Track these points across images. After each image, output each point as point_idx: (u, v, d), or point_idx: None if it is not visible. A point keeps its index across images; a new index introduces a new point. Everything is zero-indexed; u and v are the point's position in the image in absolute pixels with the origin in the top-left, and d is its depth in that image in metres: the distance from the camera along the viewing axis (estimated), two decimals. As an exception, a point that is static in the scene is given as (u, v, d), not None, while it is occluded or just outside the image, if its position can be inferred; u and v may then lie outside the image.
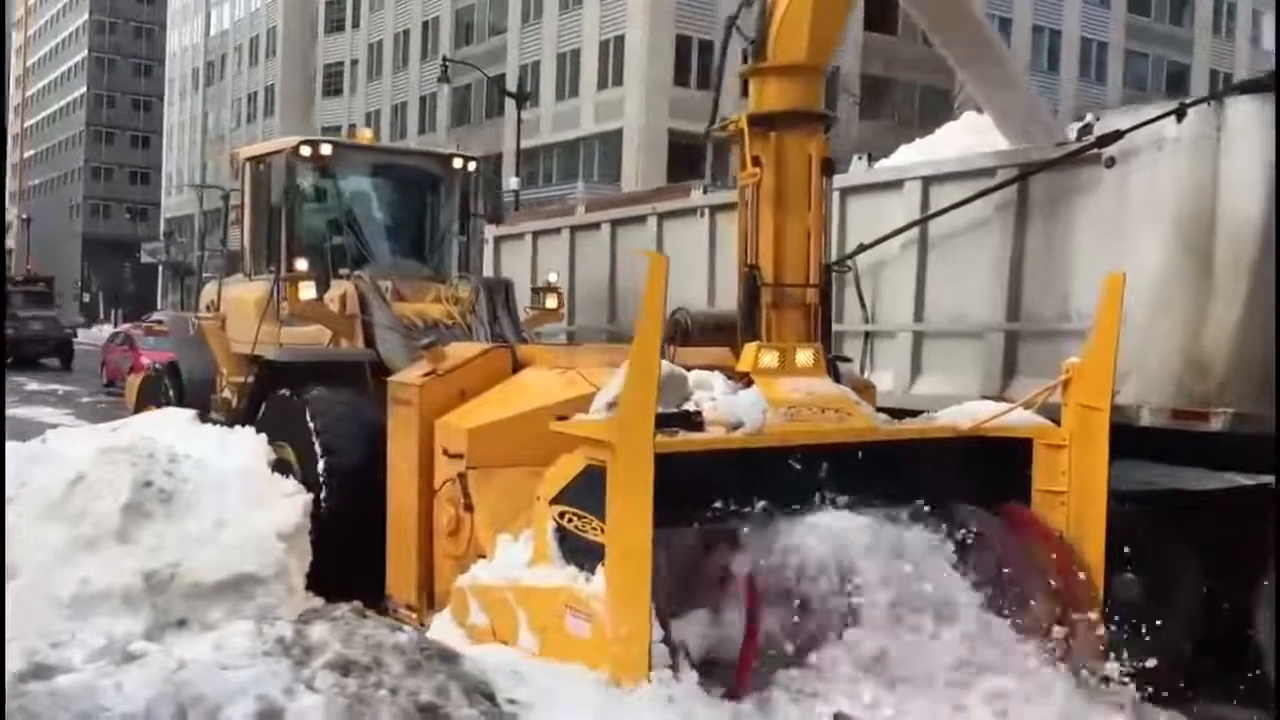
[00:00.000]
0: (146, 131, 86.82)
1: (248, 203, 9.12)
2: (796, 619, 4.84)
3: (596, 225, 10.08)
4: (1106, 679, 5.15)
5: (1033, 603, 5.38)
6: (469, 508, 5.71)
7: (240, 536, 6.23)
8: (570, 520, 4.94)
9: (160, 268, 71.43)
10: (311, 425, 7.02)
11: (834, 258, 7.28)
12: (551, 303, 9.03)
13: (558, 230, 10.55)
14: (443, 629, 5.38)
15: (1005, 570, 5.41)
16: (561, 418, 4.94)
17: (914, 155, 8.08)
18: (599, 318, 9.86)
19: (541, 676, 4.62)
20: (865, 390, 6.41)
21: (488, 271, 10.47)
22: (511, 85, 38.31)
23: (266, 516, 6.44)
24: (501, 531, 5.50)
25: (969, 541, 5.42)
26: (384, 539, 6.45)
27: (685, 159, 39.65)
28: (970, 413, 5.81)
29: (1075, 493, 5.61)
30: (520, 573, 5.16)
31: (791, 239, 5.80)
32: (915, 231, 7.24)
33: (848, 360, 6.29)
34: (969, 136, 7.77)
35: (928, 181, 7.26)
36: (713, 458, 5.00)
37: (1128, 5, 48.58)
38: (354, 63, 56.47)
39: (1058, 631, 5.30)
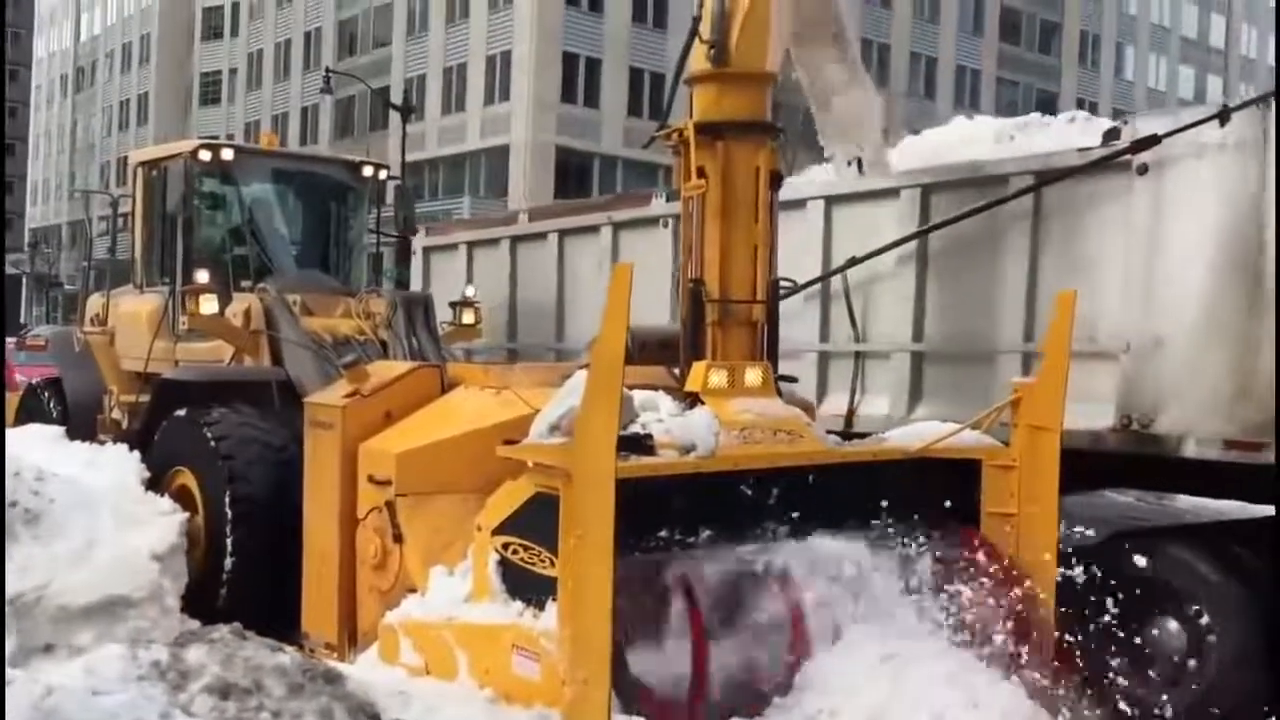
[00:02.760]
0: (11, 138, 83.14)
1: (139, 210, 8.54)
2: (748, 652, 4.61)
3: (542, 235, 9.32)
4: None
5: (982, 625, 5.25)
6: (397, 538, 5.32)
7: (112, 557, 6.00)
8: (515, 552, 4.62)
9: (24, 279, 68.40)
10: (216, 449, 6.54)
11: (820, 271, 7.05)
12: (469, 318, 8.62)
13: (496, 241, 9.78)
14: (369, 669, 5.00)
15: (956, 593, 5.27)
16: (510, 441, 4.61)
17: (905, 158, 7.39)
18: (545, 335, 9.25)
19: (428, 695, 4.48)
20: (807, 410, 6.21)
21: (415, 285, 9.97)
22: (396, 98, 37.61)
23: (140, 536, 6.20)
24: (434, 564, 5.16)
25: (919, 565, 5.26)
26: (298, 572, 6.01)
27: (574, 175, 39.69)
28: (920, 433, 5.66)
29: (1024, 515, 5.52)
30: (458, 609, 4.83)
31: (738, 254, 5.58)
32: (913, 244, 6.73)
33: (793, 380, 6.06)
34: (965, 146, 7.14)
35: (928, 190, 6.72)
36: (659, 483, 4.72)
37: (1000, 34, 50.33)
38: (233, 71, 55.13)
39: (1008, 654, 5.16)
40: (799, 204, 7.15)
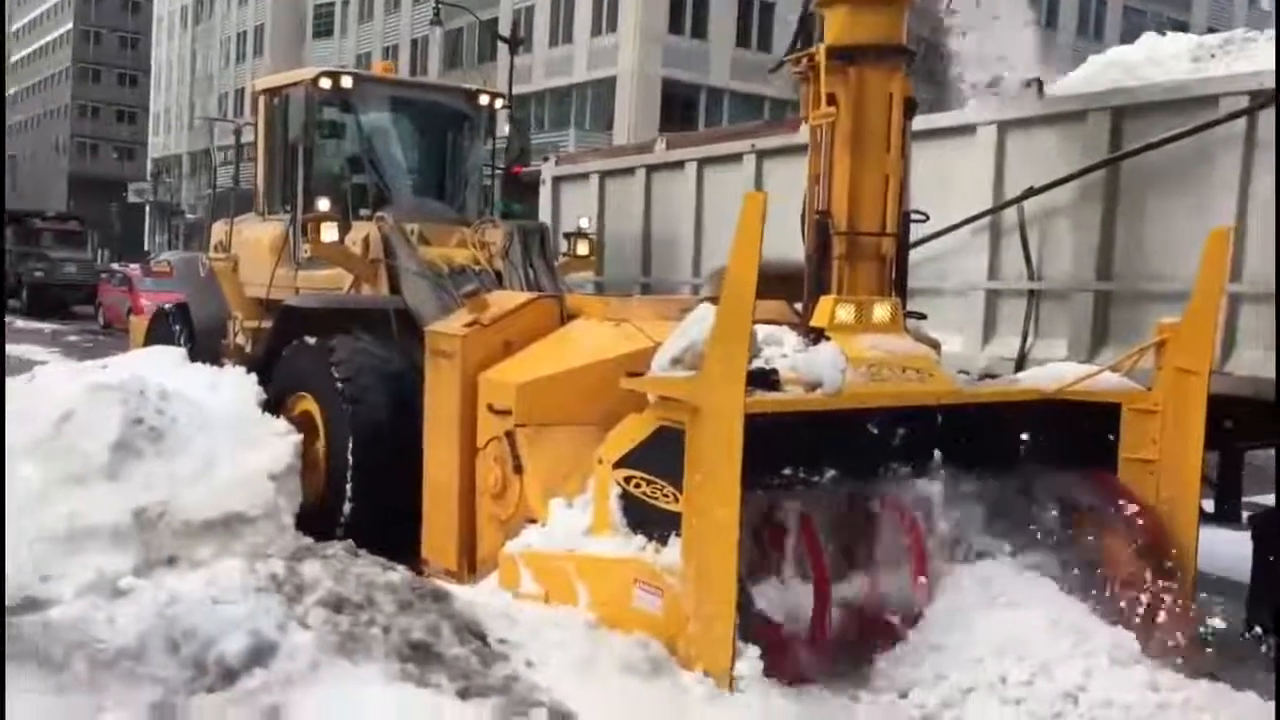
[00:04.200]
0: (134, 70, 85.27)
1: (262, 138, 8.60)
2: (872, 588, 4.51)
3: (680, 165, 8.78)
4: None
5: (1118, 576, 5.05)
6: (518, 469, 5.30)
7: (230, 476, 6.11)
8: (638, 486, 4.55)
9: (147, 207, 70.44)
10: (336, 375, 6.59)
11: (990, 203, 6.58)
12: (583, 249, 8.52)
13: (630, 171, 9.27)
14: (489, 595, 5.02)
15: (1092, 540, 5.08)
16: (634, 374, 4.52)
17: (1077, 84, 6.73)
18: (681, 269, 8.85)
19: (531, 618, 4.55)
20: (935, 348, 6.00)
21: (545, 216, 9.89)
22: (504, 29, 37.50)
23: (257, 456, 6.31)
24: (554, 495, 5.11)
25: (1054, 510, 5.08)
26: (418, 497, 6.06)
27: (680, 108, 39.21)
28: (1056, 375, 5.43)
29: (1166, 462, 5.26)
30: (579, 541, 4.78)
31: (868, 185, 5.36)
32: (1100, 174, 6.12)
33: (922, 316, 5.84)
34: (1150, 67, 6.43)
35: (1119, 113, 6.09)
36: (784, 419, 4.59)
37: (1127, -38, 48.05)
38: (345, 3, 55.49)
39: (1143, 607, 4.95)
40: (968, 130, 6.71)
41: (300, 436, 6.62)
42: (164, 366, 7.09)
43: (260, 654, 3.80)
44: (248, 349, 8.19)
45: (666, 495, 4.40)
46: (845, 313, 5.12)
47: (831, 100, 5.30)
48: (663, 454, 4.38)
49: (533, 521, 5.17)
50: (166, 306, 9.55)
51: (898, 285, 5.54)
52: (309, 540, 5.72)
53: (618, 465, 4.63)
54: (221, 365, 7.73)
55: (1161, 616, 4.91)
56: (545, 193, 10.18)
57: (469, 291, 5.79)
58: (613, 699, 4.03)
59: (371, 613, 4.11)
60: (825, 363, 4.84)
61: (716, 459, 4.05)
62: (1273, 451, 6.26)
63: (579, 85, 41.20)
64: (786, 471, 4.52)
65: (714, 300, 5.88)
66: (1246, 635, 5.60)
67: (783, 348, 5.03)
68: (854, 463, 4.70)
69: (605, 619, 4.52)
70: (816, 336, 5.13)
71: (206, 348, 8.36)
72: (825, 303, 5.15)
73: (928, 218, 5.80)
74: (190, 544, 5.78)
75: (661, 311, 5.77)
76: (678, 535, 4.32)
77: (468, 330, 5.65)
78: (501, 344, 5.65)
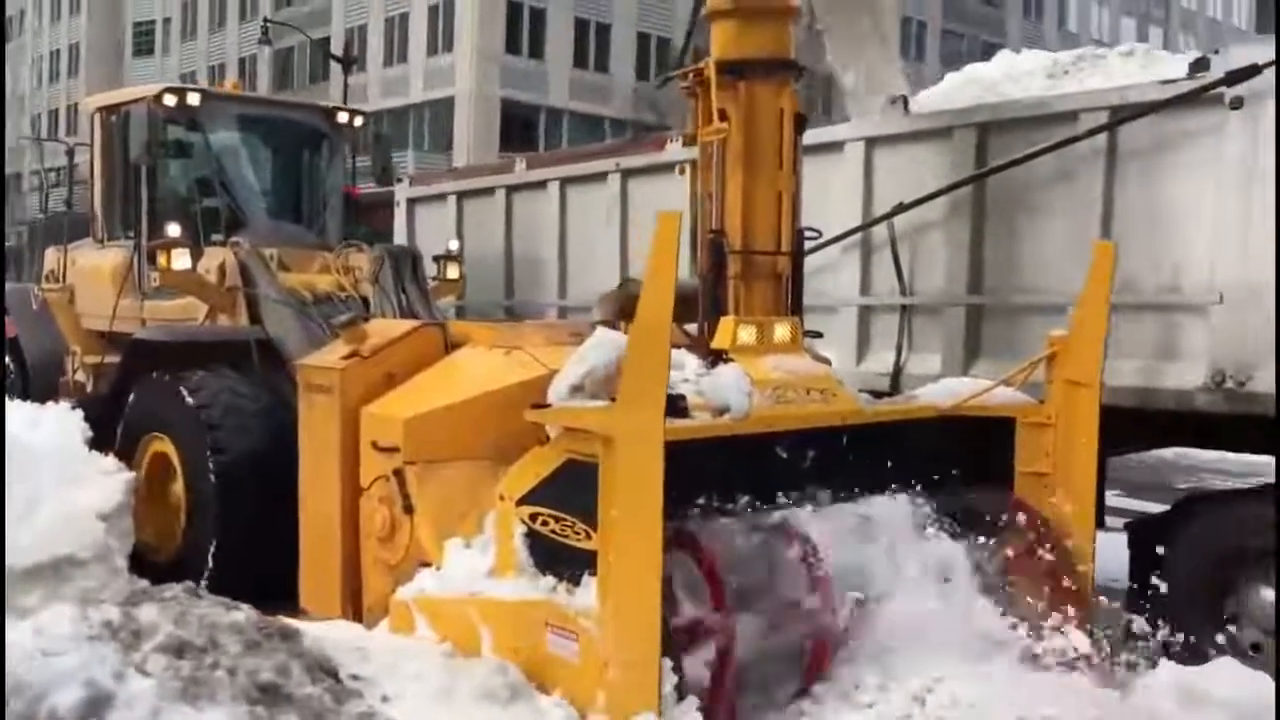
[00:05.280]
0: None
1: (99, 159, 8.01)
2: (779, 624, 4.37)
3: (542, 185, 8.67)
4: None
5: (1020, 590, 5.06)
6: (408, 509, 4.97)
7: (57, 517, 5.86)
8: (545, 523, 4.29)
9: (-46, 236, 66.26)
10: (199, 416, 6.12)
11: (860, 220, 6.57)
12: (453, 273, 8.19)
13: (490, 191, 9.14)
14: (340, 630, 4.73)
15: (993, 556, 5.07)
16: (539, 405, 4.27)
17: (937, 100, 6.82)
18: (545, 291, 8.68)
19: (384, 652, 4.40)
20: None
21: (399, 240, 9.49)
22: (337, 49, 36.66)
23: (85, 495, 6.05)
24: (448, 535, 4.81)
25: (957, 527, 5.05)
26: (290, 541, 5.66)
27: (519, 128, 39.00)
28: (953, 390, 5.42)
29: (1061, 475, 5.30)
30: (481, 583, 4.49)
31: (762, 202, 5.30)
32: (967, 190, 6.17)
33: (818, 335, 5.77)
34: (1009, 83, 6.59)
35: (984, 129, 6.16)
36: (694, 447, 4.41)
37: (946, -16, 50.32)
38: (166, 21, 53.47)
39: (1048, 619, 4.97)
40: (836, 147, 6.70)
41: (131, 474, 6.29)
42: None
43: (96, 705, 3.61)
44: (89, 386, 7.61)
45: (578, 532, 4.16)
46: (747, 334, 5.00)
47: (723, 116, 5.20)
48: (572, 488, 4.15)
49: (426, 565, 4.86)
50: (-12, 340, 8.80)
51: (793, 304, 5.46)
52: (144, 583, 5.49)
53: (521, 502, 4.36)
54: (58, 403, 7.14)
55: (1062, 626, 4.94)
56: (400, 215, 9.83)
57: (345, 321, 5.44)
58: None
59: (216, 655, 3.93)
60: (730, 386, 4.68)
61: (636, 491, 3.83)
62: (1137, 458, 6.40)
63: (416, 105, 40.61)
64: (700, 501, 4.36)
65: (605, 323, 5.72)
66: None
67: (684, 371, 4.86)
68: (764, 488, 4.57)
69: (518, 665, 4.25)
70: (715, 359, 4.98)
71: (42, 384, 7.72)
72: (726, 324, 5.01)
73: (820, 234, 5.74)
74: (14, 592, 5.42)
75: (552, 337, 5.53)
76: (591, 574, 4.08)
77: (346, 363, 5.29)
78: (383, 376, 5.31)
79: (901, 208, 6.35)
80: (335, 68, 33.91)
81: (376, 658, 4.31)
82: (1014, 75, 6.70)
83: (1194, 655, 4.92)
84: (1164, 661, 4.78)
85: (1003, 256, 6.20)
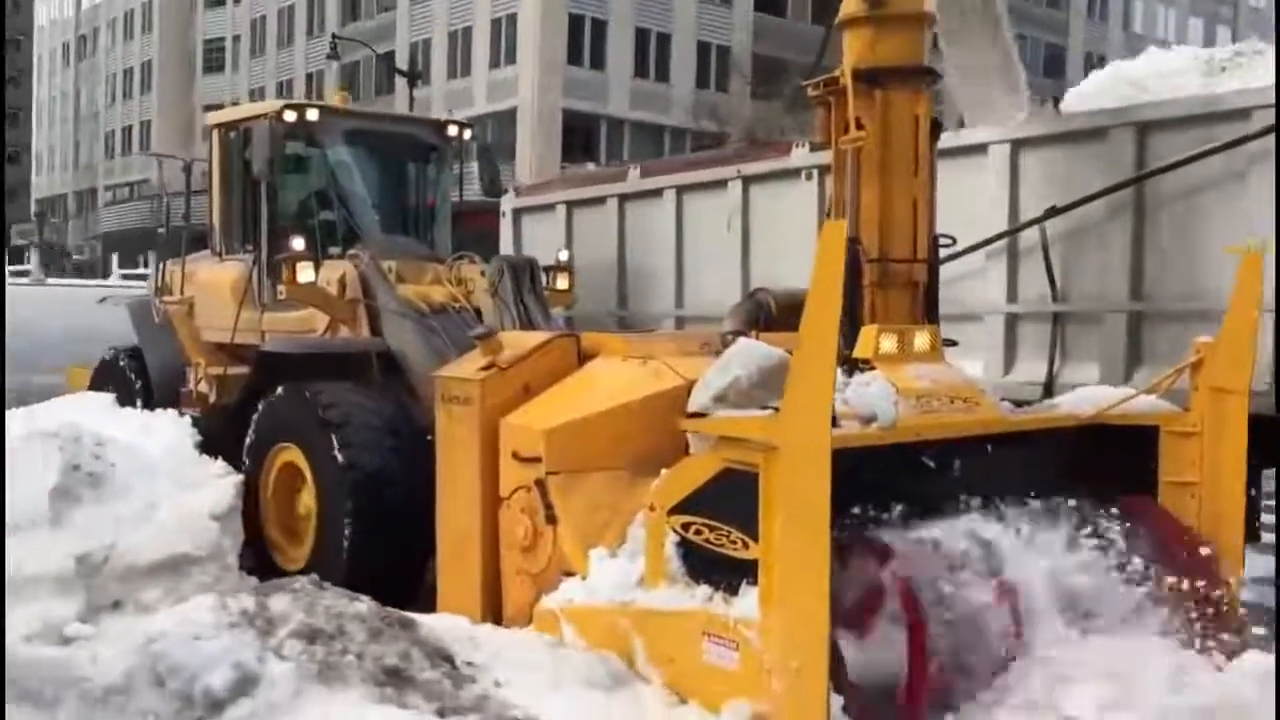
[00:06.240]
0: (14, 107, 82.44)
1: (216, 174, 8.16)
2: (962, 634, 4.30)
3: (657, 193, 8.55)
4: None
5: (1166, 600, 4.95)
6: (550, 519, 4.99)
7: (173, 518, 6.12)
8: (699, 532, 4.28)
9: (33, 249, 67.99)
10: (330, 426, 6.21)
11: (1005, 225, 6.41)
12: (563, 283, 8.23)
13: (601, 201, 9.00)
14: (450, 621, 4.93)
15: (1143, 567, 4.97)
16: (693, 415, 4.27)
17: (1083, 100, 6.60)
18: (661, 301, 8.57)
19: (493, 641, 4.66)
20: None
21: (505, 250, 9.57)
22: (402, 63, 37.12)
23: (198, 498, 6.32)
24: (592, 545, 4.83)
25: (1110, 536, 4.96)
26: (421, 548, 5.73)
27: (580, 138, 39.17)
28: (1095, 398, 5.33)
29: (1208, 484, 5.18)
30: (632, 594, 4.49)
31: (898, 210, 5.26)
32: (1126, 192, 5.97)
33: (953, 344, 5.71)
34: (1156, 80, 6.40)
35: (1144, 128, 5.94)
36: (848, 456, 4.39)
37: (1009, -12, 49.66)
38: (236, 38, 54.47)
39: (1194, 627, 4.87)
40: (979, 150, 6.56)
41: (240, 478, 6.52)
42: (93, 412, 6.96)
43: (245, 685, 3.93)
44: (212, 397, 7.73)
45: (734, 542, 4.14)
46: (889, 342, 4.97)
47: (859, 124, 5.18)
48: (729, 498, 4.13)
49: (570, 574, 4.88)
50: (108, 354, 8.99)
51: (929, 312, 5.42)
52: (254, 580, 5.97)
53: (674, 511, 4.35)
54: (181, 413, 7.29)
55: (1212, 639, 4.84)
56: (505, 225, 9.86)
57: (481, 333, 5.48)
58: (580, 711, 4.14)
59: (344, 642, 4.21)
60: (877, 395, 4.66)
61: (802, 500, 3.81)
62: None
63: (479, 117, 40.91)
64: (855, 510, 4.33)
65: (738, 333, 5.72)
66: None
67: (827, 380, 4.83)
68: (916, 498, 4.53)
69: (672, 676, 4.25)
70: (852, 367, 4.96)
71: (165, 396, 7.88)
72: (868, 332, 4.98)
73: (955, 241, 5.69)
74: (136, 588, 5.76)
75: (683, 347, 5.53)
76: (751, 583, 4.07)
77: (485, 374, 5.32)
78: (521, 387, 5.34)
79: (1054, 211, 6.18)
80: (400, 81, 34.26)
81: (485, 646, 4.56)
82: (1163, 72, 6.51)
83: None
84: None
85: (1166, 261, 6.01)
